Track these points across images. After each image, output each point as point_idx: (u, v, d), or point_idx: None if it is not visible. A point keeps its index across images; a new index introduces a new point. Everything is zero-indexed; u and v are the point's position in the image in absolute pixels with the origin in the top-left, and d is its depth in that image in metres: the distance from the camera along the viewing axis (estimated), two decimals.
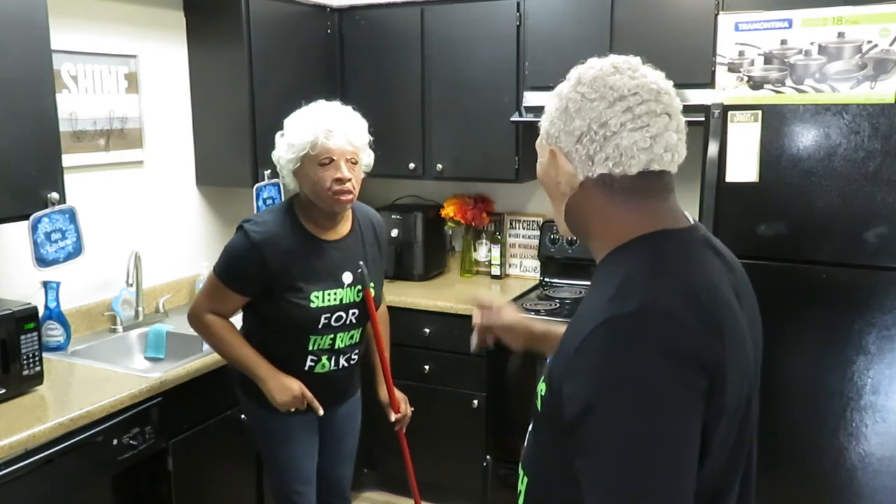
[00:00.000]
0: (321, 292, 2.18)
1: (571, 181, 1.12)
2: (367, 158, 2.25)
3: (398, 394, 2.48)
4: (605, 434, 0.96)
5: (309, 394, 2.20)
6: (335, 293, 2.20)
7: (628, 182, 1.08)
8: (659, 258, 1.07)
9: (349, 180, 2.12)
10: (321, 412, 2.23)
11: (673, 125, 1.09)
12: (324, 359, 2.25)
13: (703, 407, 0.97)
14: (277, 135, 2.20)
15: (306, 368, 2.23)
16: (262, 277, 2.13)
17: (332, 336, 2.24)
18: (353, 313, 2.25)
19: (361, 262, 2.22)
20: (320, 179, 2.11)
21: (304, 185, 2.17)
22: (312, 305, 2.16)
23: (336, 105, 2.20)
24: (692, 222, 1.15)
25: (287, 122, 2.20)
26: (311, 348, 2.21)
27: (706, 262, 1.10)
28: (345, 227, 2.27)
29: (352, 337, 2.30)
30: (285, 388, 2.17)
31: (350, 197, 2.15)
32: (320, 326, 2.20)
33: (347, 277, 2.23)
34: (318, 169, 2.11)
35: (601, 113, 1.07)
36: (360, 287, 2.25)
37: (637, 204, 1.10)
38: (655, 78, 1.12)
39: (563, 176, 1.13)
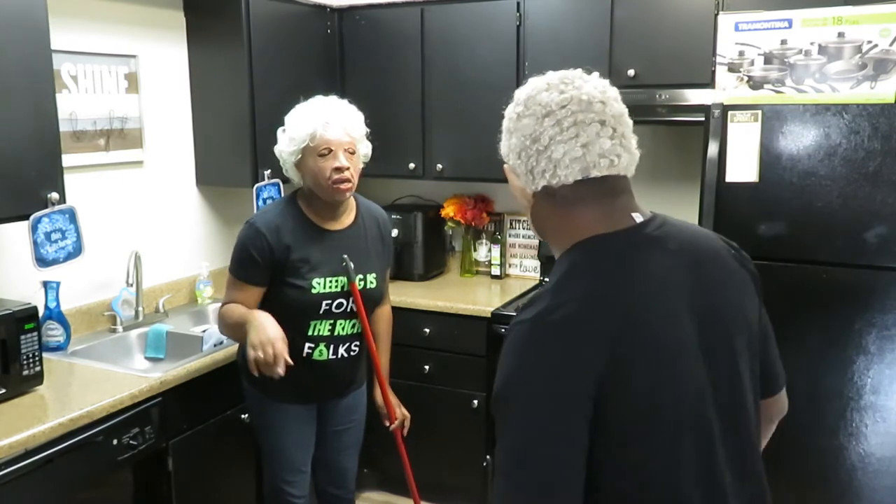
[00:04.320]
0: (322, 278, 2.23)
1: (525, 194, 1.21)
2: (365, 149, 2.32)
3: (393, 399, 2.50)
4: (501, 425, 1.09)
5: (281, 349, 2.06)
6: (336, 280, 2.26)
7: (568, 191, 1.15)
8: (577, 265, 1.14)
9: (347, 169, 2.20)
10: (281, 372, 2.09)
11: (606, 132, 1.14)
12: (321, 345, 2.28)
13: (591, 405, 1.04)
14: (279, 130, 2.28)
15: (304, 355, 2.27)
16: (269, 264, 2.21)
17: (331, 322, 2.27)
18: (353, 301, 2.28)
19: (345, 256, 2.25)
20: (320, 170, 2.19)
21: (305, 177, 2.25)
22: (314, 291, 2.22)
23: (333, 98, 2.29)
24: (640, 221, 1.17)
25: (287, 117, 2.28)
26: (310, 334, 2.26)
27: (636, 260, 1.14)
28: (347, 219, 2.34)
29: (353, 326, 2.32)
30: (259, 333, 2.07)
31: (349, 185, 2.23)
32: (321, 312, 2.25)
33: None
34: (318, 160, 2.19)
35: (533, 129, 1.15)
36: (360, 276, 2.30)
37: (578, 211, 1.16)
38: (589, 89, 1.16)
39: (517, 190, 1.23)
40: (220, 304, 2.32)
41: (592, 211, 1.16)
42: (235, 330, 2.24)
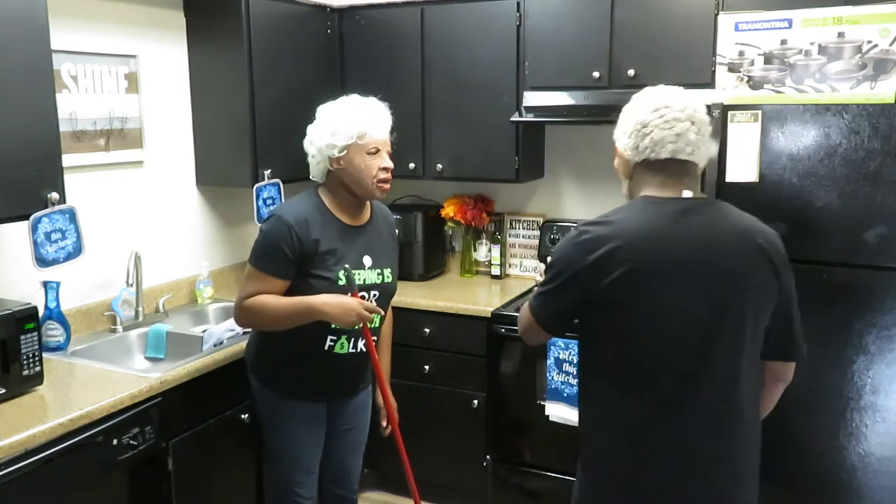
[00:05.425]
0: (347, 272, 2.25)
1: (628, 165, 1.74)
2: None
3: (391, 401, 2.50)
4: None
5: (364, 301, 2.22)
6: (358, 273, 2.28)
7: (658, 165, 1.67)
8: (629, 206, 1.69)
9: (392, 169, 2.29)
10: (382, 312, 2.32)
11: (693, 129, 1.65)
12: (343, 338, 2.30)
13: (584, 289, 1.63)
14: (315, 122, 2.30)
15: (325, 348, 2.28)
16: (298, 258, 2.21)
17: None
18: (374, 294, 2.32)
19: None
20: (368, 167, 2.24)
21: (344, 172, 2.26)
22: (340, 283, 2.24)
23: (373, 99, 2.33)
24: (686, 196, 1.66)
25: (326, 111, 2.30)
26: (334, 326, 2.26)
27: (658, 216, 1.63)
28: (365, 216, 2.39)
29: (371, 320, 2.32)
30: (345, 309, 2.17)
31: (389, 185, 2.30)
32: None
33: (368, 260, 2.32)
34: (366, 157, 2.24)
35: (643, 117, 1.67)
36: (378, 270, 2.34)
37: (654, 178, 1.68)
38: (685, 97, 1.68)
39: (622, 162, 1.76)
40: (238, 299, 2.25)
41: (662, 180, 1.67)
42: (284, 317, 2.21)
